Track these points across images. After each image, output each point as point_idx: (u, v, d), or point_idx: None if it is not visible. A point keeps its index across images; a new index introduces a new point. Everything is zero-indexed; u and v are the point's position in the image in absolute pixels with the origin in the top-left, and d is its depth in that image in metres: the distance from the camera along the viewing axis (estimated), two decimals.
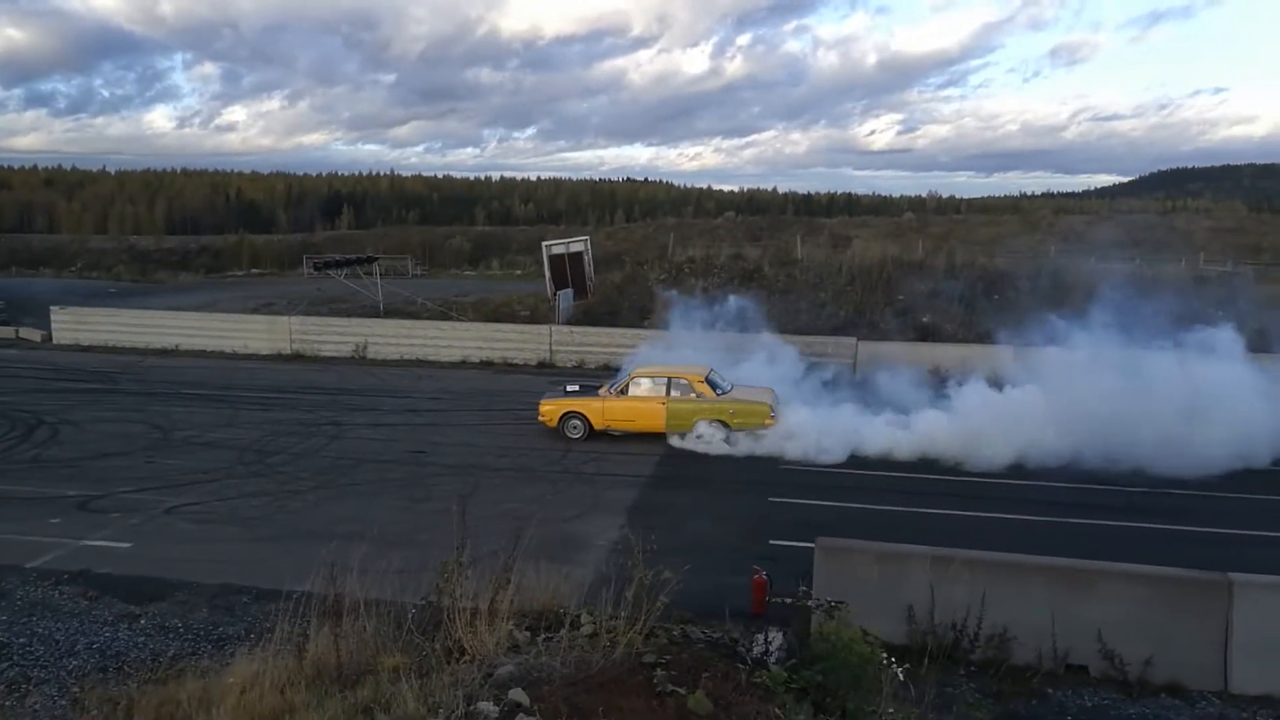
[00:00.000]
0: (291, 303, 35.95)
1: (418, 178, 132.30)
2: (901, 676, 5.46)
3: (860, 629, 5.77)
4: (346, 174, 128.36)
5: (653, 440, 17.50)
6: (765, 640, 5.81)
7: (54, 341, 29.75)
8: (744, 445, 16.98)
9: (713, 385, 17.51)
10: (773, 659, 5.56)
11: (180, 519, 13.26)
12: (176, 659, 8.73)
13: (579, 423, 17.88)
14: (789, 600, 7.93)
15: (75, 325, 29.98)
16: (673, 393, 17.43)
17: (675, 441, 17.37)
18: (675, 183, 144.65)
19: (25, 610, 10.06)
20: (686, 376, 17.50)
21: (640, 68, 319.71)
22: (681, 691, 4.67)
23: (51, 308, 30.77)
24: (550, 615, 5.89)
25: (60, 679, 8.55)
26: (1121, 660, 8.62)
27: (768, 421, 16.91)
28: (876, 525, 12.55)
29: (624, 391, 17.75)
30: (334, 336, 28.10)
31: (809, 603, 6.51)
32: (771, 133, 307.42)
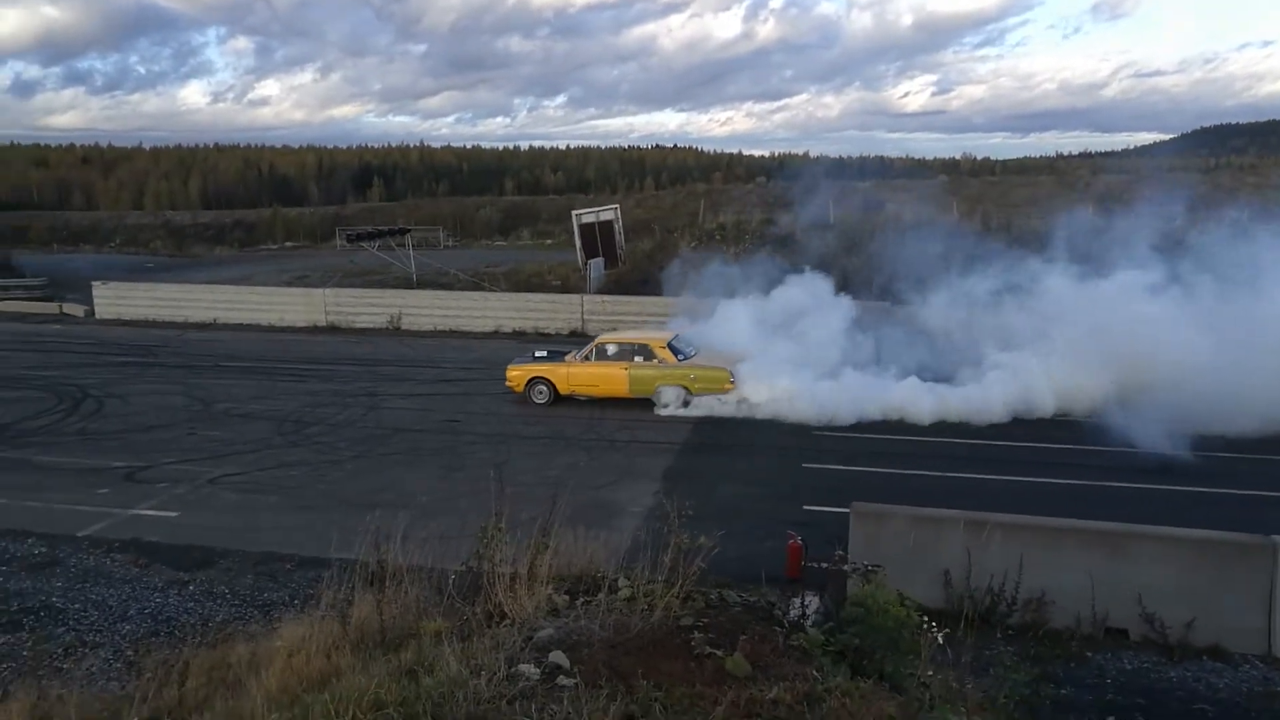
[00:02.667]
0: (325, 275, 36.29)
1: (447, 149, 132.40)
2: (941, 640, 5.47)
3: (897, 592, 5.79)
4: (377, 146, 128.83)
5: (685, 408, 17.58)
6: (802, 604, 5.85)
7: (96, 316, 30.31)
8: (765, 409, 17.11)
9: (676, 351, 17.85)
10: (809, 622, 5.60)
11: (223, 489, 13.52)
12: (224, 624, 8.96)
13: (544, 388, 18.32)
14: (825, 565, 7.95)
15: (116, 300, 30.51)
16: (636, 358, 17.80)
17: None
18: (705, 148, 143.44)
19: (79, 577, 10.35)
20: (650, 343, 17.92)
21: (671, 33, 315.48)
22: (719, 654, 4.72)
23: (93, 283, 31.33)
24: (588, 580, 5.97)
25: (115, 643, 8.81)
26: (1162, 623, 8.56)
27: (727, 386, 17.27)
28: (910, 490, 12.50)
29: (589, 357, 18.13)
30: (368, 308, 28.38)
31: (845, 567, 6.53)
32: (803, 96, 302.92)
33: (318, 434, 16.51)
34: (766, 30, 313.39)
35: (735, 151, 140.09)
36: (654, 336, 18.35)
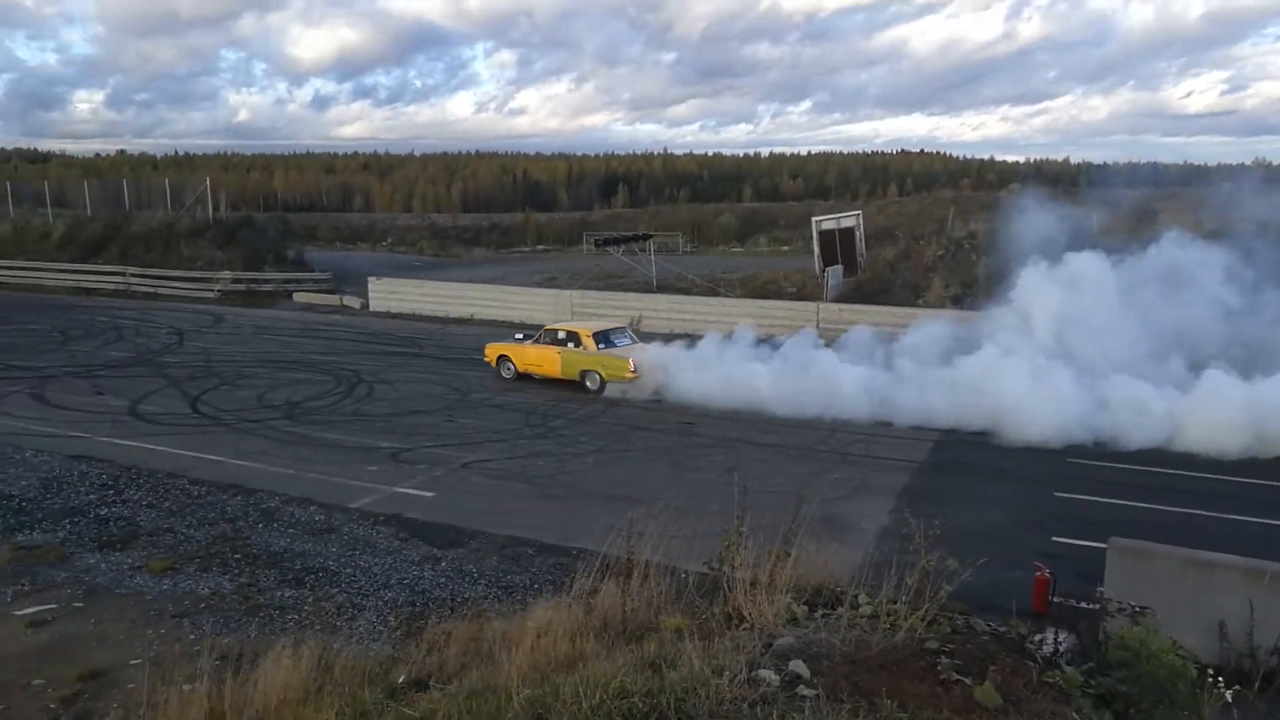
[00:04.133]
0: (572, 277, 37.98)
1: (689, 156, 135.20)
2: (1230, 698, 4.91)
3: (1170, 640, 5.28)
4: (623, 154, 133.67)
5: (927, 426, 17.02)
6: (1055, 640, 5.47)
7: (370, 309, 33.35)
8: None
9: (600, 341, 20.08)
10: (1064, 660, 5.23)
11: (475, 473, 14.47)
12: (471, 601, 9.59)
13: (510, 364, 21.30)
14: (1083, 603, 7.37)
15: (388, 294, 33.46)
16: (568, 345, 20.30)
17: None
18: (953, 153, 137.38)
19: (350, 545, 11.44)
20: (579, 332, 20.37)
21: (925, 35, 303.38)
22: (968, 681, 4.51)
23: (369, 279, 34.50)
24: (827, 592, 5.89)
25: (379, 608, 9.66)
26: None
27: (628, 375, 19.36)
28: (1174, 529, 11.34)
29: (538, 340, 20.89)
30: (611, 310, 29.40)
31: (1108, 606, 6.03)
32: (1068, 98, 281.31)
33: (561, 427, 17.33)
34: (1030, 29, 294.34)
35: (986, 157, 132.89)
36: (584, 327, 20.76)
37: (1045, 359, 17.34)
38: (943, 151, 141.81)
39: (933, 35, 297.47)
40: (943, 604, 5.56)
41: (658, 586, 6.48)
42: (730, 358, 19.60)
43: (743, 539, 6.41)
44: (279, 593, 10.03)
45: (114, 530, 11.78)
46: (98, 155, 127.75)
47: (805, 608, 5.52)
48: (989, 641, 5.15)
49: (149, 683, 6.34)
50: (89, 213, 44.28)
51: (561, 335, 20.59)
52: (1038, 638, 5.71)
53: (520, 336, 21.95)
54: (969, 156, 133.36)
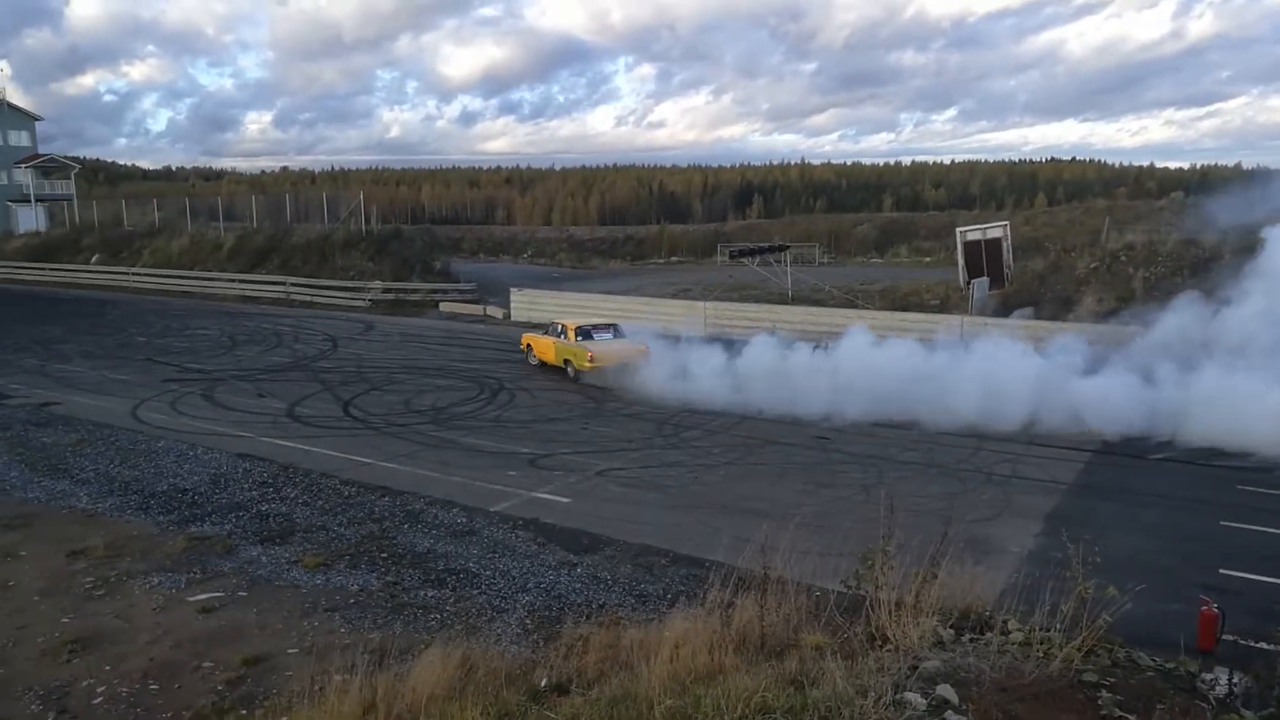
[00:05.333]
0: (706, 288, 38.03)
1: (826, 165, 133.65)
2: None
3: None
4: (758, 164, 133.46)
5: (1078, 447, 16.23)
6: (1230, 681, 5.09)
7: (512, 318, 34.30)
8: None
9: (580, 334, 22.74)
10: (1239, 703, 4.86)
11: (609, 481, 14.65)
12: (606, 608, 9.70)
13: (532, 352, 24.44)
14: (1260, 643, 6.83)
15: (528, 305, 34.35)
16: (561, 336, 23.20)
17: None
18: (1108, 161, 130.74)
19: (490, 547, 11.77)
20: (566, 326, 23.30)
21: (1082, 36, 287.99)
22: (1132, 719, 4.26)
23: (511, 289, 35.49)
24: (974, 616, 5.67)
25: (517, 610, 9.89)
26: None
27: (586, 365, 21.88)
28: None
29: (547, 332, 23.93)
30: (745, 321, 29.27)
31: None
32: (1242, 99, 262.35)
33: (694, 438, 17.35)
34: (1201, 26, 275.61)
35: (1145, 164, 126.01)
36: (571, 321, 23.71)
37: None
38: (1096, 159, 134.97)
39: (1090, 37, 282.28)
40: (1100, 635, 5.26)
41: (795, 602, 6.39)
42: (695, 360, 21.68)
43: (889, 558, 6.25)
44: (422, 592, 10.39)
45: (273, 525, 12.51)
46: (263, 172, 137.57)
47: (951, 631, 5.33)
48: (1154, 678, 4.84)
49: (307, 671, 6.69)
50: (255, 226, 47.35)
51: (559, 328, 23.51)
52: (1209, 677, 5.32)
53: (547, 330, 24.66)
54: (1125, 164, 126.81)
